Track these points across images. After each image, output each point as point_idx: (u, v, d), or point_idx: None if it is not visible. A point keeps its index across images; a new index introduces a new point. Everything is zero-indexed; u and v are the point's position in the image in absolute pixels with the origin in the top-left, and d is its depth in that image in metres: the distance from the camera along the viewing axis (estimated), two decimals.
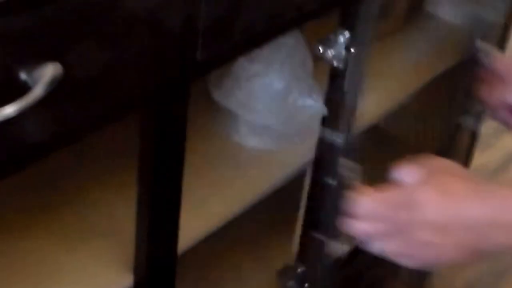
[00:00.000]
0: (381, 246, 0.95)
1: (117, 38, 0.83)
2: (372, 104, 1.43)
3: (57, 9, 0.75)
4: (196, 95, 1.02)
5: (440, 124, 1.60)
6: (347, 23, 1.16)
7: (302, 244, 1.41)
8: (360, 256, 1.15)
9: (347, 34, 1.16)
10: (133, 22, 0.83)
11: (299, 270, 1.41)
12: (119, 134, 1.09)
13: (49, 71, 0.76)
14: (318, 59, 1.20)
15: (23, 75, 0.75)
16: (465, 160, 1.82)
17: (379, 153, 1.59)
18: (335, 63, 1.18)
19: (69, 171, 1.21)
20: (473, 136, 1.75)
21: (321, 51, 1.18)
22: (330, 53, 1.18)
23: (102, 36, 0.81)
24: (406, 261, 0.96)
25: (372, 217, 0.95)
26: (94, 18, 0.79)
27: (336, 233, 1.09)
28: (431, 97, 1.63)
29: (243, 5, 0.95)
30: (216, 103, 1.31)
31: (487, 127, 1.49)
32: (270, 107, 1.29)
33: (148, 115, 0.94)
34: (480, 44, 1.09)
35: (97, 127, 0.87)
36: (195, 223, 1.20)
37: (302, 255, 1.41)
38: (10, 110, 0.73)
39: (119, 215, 1.17)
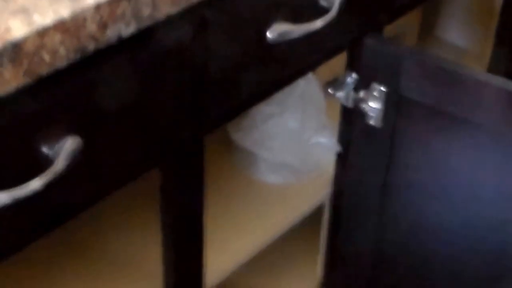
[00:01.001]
0: None
1: (131, 104, 0.89)
2: None
3: (71, 87, 0.81)
4: (215, 137, 1.07)
5: None
6: (354, 65, 1.22)
7: (325, 271, 1.46)
8: None
9: (354, 75, 1.22)
10: (144, 86, 0.89)
11: None
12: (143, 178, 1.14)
13: (69, 145, 0.81)
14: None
15: (45, 150, 0.81)
16: None
17: None
18: (346, 103, 1.24)
19: (94, 214, 1.27)
20: None
21: (330, 92, 1.24)
22: (339, 94, 1.23)
23: (117, 105, 0.87)
24: None
25: None
26: (107, 92, 0.85)
27: None
28: None
29: (250, 61, 1.01)
30: (235, 143, 1.37)
31: None
32: (286, 145, 1.35)
33: (167, 171, 1.00)
34: None
35: (118, 187, 0.93)
36: (220, 260, 1.26)
37: (326, 282, 1.46)
38: (34, 185, 0.79)
39: (146, 256, 1.23)
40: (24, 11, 0.75)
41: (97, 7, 0.78)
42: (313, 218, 1.39)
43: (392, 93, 1.19)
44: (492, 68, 1.67)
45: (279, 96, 1.32)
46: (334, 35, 1.11)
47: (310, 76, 1.34)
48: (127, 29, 0.81)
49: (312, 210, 1.37)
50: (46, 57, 0.75)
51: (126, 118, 0.89)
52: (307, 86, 1.34)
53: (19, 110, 0.78)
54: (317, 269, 1.46)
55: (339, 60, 1.24)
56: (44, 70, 0.76)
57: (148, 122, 0.92)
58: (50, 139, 0.81)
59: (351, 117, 1.25)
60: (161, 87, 0.91)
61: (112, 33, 0.80)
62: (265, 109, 1.33)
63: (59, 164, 0.80)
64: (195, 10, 0.88)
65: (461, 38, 1.76)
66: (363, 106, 1.21)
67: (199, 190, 1.06)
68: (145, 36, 0.85)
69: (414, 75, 1.16)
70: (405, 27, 1.70)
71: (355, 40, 1.17)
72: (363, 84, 1.21)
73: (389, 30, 1.28)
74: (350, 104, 1.23)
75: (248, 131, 1.35)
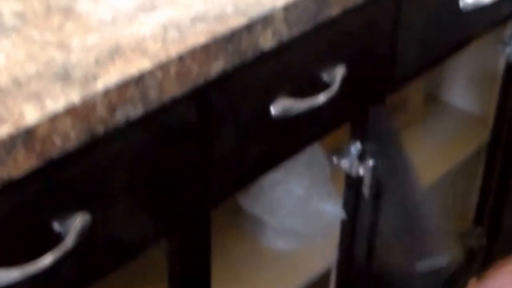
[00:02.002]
0: None
1: (138, 180, 0.92)
2: None
3: (81, 166, 0.85)
4: (224, 203, 1.10)
5: None
6: (358, 135, 1.25)
7: None
8: None
9: (358, 145, 1.25)
10: (151, 163, 0.93)
11: None
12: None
13: (79, 221, 0.85)
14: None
15: (56, 226, 0.84)
16: None
17: None
18: (350, 172, 1.27)
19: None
20: None
21: (336, 161, 1.28)
22: (344, 163, 1.27)
23: (125, 182, 0.90)
24: None
25: None
26: (115, 169, 0.88)
27: None
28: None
29: (255, 136, 1.04)
30: (243, 209, 1.40)
31: None
32: (293, 212, 1.37)
33: (174, 241, 1.03)
34: None
35: (126, 259, 0.96)
36: None
37: None
38: (46, 261, 0.82)
39: None
40: (37, 97, 0.79)
41: (106, 92, 0.81)
42: (319, 283, 1.41)
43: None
44: (495, 130, 1.70)
45: (286, 164, 1.35)
46: (337, 107, 1.14)
47: (315, 144, 1.37)
48: (135, 112, 0.85)
49: (319, 275, 1.39)
50: (58, 141, 0.79)
51: (133, 194, 0.92)
52: (313, 154, 1.37)
53: (31, 190, 0.81)
54: None
55: (345, 127, 1.28)
56: (55, 153, 0.79)
57: (155, 198, 0.95)
58: (61, 216, 0.84)
59: (355, 185, 1.28)
60: (167, 164, 0.94)
61: (120, 116, 0.84)
62: (272, 177, 1.36)
63: (70, 240, 0.83)
64: (199, 91, 0.92)
65: (465, 102, 1.79)
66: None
67: (205, 260, 1.08)
68: (151, 116, 0.89)
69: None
70: (410, 91, 1.73)
71: (358, 110, 1.21)
72: (367, 153, 1.25)
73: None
74: (354, 172, 1.27)
75: (255, 197, 1.38)
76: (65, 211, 0.84)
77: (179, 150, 0.95)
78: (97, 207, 0.87)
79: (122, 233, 0.93)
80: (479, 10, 1.32)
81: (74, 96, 0.80)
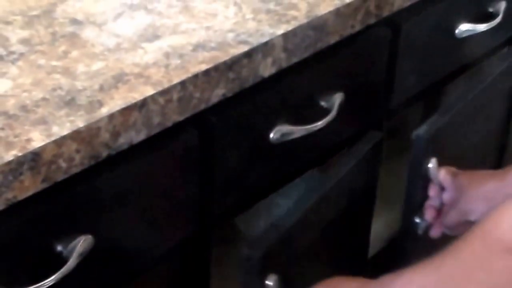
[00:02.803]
0: None
1: (140, 203, 0.94)
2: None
3: (85, 190, 0.87)
4: (222, 226, 1.12)
5: None
6: None
7: None
8: None
9: None
10: (153, 186, 0.95)
11: None
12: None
13: (81, 243, 0.86)
14: None
15: (59, 248, 0.86)
16: None
17: None
18: None
19: None
20: None
21: None
22: None
23: (127, 205, 0.92)
24: None
25: None
26: (118, 192, 0.90)
27: None
28: None
29: (254, 160, 1.06)
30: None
31: None
32: None
33: (173, 267, 1.05)
34: (432, 161, 1.17)
35: (125, 282, 0.98)
36: None
37: None
38: (49, 283, 0.83)
39: None
40: (44, 122, 0.81)
41: (111, 117, 0.84)
42: None
43: None
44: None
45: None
46: (335, 133, 1.16)
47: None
48: (138, 137, 0.88)
49: None
50: (63, 164, 0.81)
51: (135, 216, 0.94)
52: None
53: (35, 212, 0.83)
54: None
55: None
56: (60, 177, 0.81)
57: (157, 220, 0.97)
58: (64, 239, 0.86)
59: None
60: (169, 187, 0.96)
61: (124, 141, 0.86)
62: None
63: (73, 262, 0.85)
64: (201, 116, 0.94)
65: None
66: None
67: (205, 282, 1.10)
68: (154, 140, 0.91)
69: None
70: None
71: (356, 136, 1.23)
72: None
73: None
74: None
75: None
76: (69, 233, 0.86)
77: (180, 173, 0.97)
78: (100, 230, 0.89)
79: (124, 255, 0.95)
80: (474, 38, 1.35)
81: (79, 121, 0.82)
